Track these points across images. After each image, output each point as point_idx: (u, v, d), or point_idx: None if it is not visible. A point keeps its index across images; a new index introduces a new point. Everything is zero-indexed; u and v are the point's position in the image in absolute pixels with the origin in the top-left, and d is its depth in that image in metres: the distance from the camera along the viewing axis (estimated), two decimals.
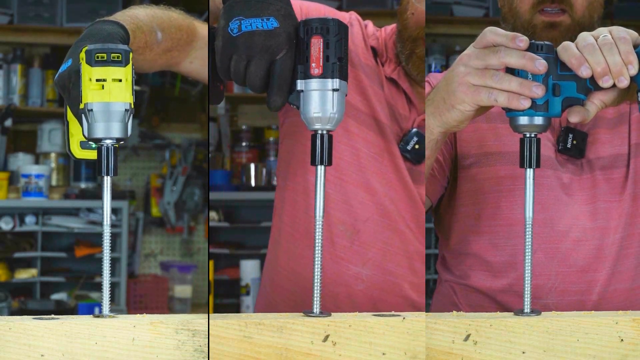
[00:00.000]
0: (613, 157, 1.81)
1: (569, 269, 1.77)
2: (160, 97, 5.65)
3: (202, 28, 1.74)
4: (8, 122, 5.34)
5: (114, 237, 4.85)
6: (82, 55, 1.33)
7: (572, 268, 1.76)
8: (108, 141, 1.35)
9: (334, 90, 1.36)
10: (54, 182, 5.42)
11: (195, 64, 1.74)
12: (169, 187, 5.57)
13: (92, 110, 1.33)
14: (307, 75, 1.37)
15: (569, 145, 1.81)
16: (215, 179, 5.41)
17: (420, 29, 1.79)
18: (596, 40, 1.42)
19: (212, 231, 5.41)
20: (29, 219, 5.27)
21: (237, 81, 1.39)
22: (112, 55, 1.32)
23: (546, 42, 1.41)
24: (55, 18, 5.36)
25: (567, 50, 1.41)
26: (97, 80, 1.32)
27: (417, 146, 1.82)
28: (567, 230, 1.77)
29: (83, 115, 1.34)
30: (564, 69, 1.42)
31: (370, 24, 1.92)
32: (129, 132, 1.36)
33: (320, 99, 1.36)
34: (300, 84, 1.37)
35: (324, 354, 1.33)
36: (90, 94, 1.33)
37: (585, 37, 1.43)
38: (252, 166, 5.36)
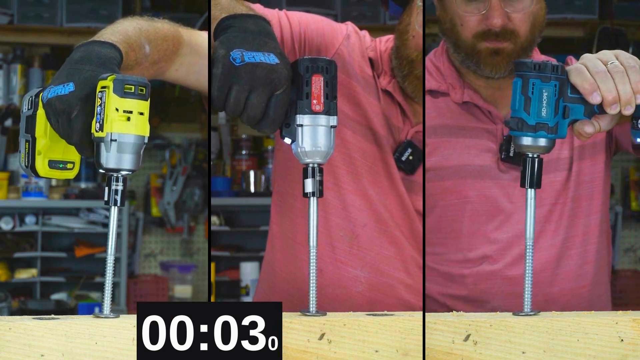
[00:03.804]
0: (554, 162, 1.83)
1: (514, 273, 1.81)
2: (160, 97, 5.65)
3: (186, 34, 1.74)
4: (8, 122, 5.34)
5: None
6: (108, 83, 1.33)
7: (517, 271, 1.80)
8: (123, 172, 1.35)
9: (332, 126, 1.41)
10: (53, 182, 5.42)
11: (181, 71, 1.74)
12: (169, 187, 5.56)
13: (115, 140, 1.33)
14: (309, 111, 1.40)
15: (511, 154, 1.83)
16: (216, 185, 5.48)
17: (419, 52, 1.81)
18: (606, 66, 1.43)
19: (213, 234, 5.43)
20: (29, 219, 5.27)
21: (234, 111, 1.39)
22: (139, 88, 1.33)
23: (560, 64, 1.42)
24: (55, 18, 5.36)
25: (581, 74, 1.42)
26: (125, 111, 1.33)
27: (411, 157, 1.85)
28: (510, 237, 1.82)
29: (102, 144, 1.34)
30: (574, 91, 1.42)
31: (367, 34, 1.93)
32: (140, 164, 1.37)
33: (321, 134, 1.41)
34: (300, 119, 1.40)
35: (319, 352, 1.36)
36: (116, 125, 1.33)
37: (595, 63, 1.44)
38: (252, 173, 5.45)
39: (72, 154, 1.48)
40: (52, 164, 1.47)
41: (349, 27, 1.90)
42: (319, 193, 1.43)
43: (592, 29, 5.12)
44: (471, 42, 1.81)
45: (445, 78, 1.89)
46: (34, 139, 1.46)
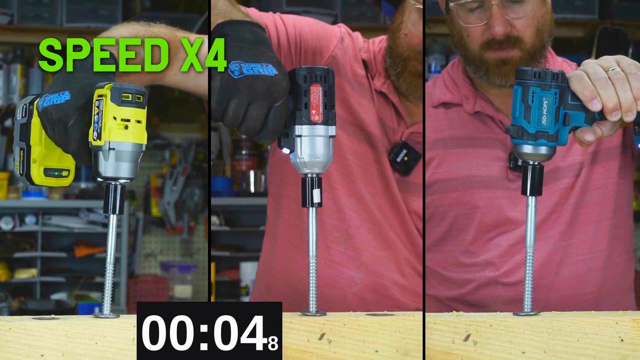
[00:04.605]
0: (562, 169, 1.83)
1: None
2: (160, 97, 5.66)
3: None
4: (8, 122, 5.34)
5: None
6: (105, 92, 1.33)
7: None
8: (122, 180, 1.35)
9: (330, 136, 1.40)
10: None
11: (179, 75, 1.72)
12: (169, 187, 5.57)
13: (113, 149, 1.33)
14: (308, 122, 1.39)
15: (520, 163, 1.82)
16: (217, 185, 5.49)
17: (412, 51, 1.80)
18: (606, 72, 1.43)
19: (213, 234, 5.43)
20: (29, 219, 5.27)
21: (232, 124, 1.38)
22: (137, 96, 1.33)
23: (561, 71, 1.42)
24: (55, 18, 5.36)
25: (581, 81, 1.42)
26: (122, 119, 1.33)
27: (406, 158, 1.84)
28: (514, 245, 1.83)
29: (100, 152, 1.33)
30: (574, 98, 1.42)
31: (359, 35, 1.92)
32: (137, 172, 1.37)
33: (320, 145, 1.40)
34: (299, 130, 1.39)
35: (319, 352, 1.36)
36: (114, 133, 1.33)
37: (595, 69, 1.43)
38: (252, 173, 5.45)
39: (68, 162, 1.48)
40: (48, 172, 1.46)
41: (342, 29, 1.89)
42: (318, 203, 1.42)
43: (592, 29, 5.11)
44: (478, 53, 1.81)
45: (460, 89, 1.89)
46: (28, 147, 1.45)
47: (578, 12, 5.12)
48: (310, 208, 1.42)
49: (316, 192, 1.42)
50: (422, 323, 1.38)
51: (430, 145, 1.87)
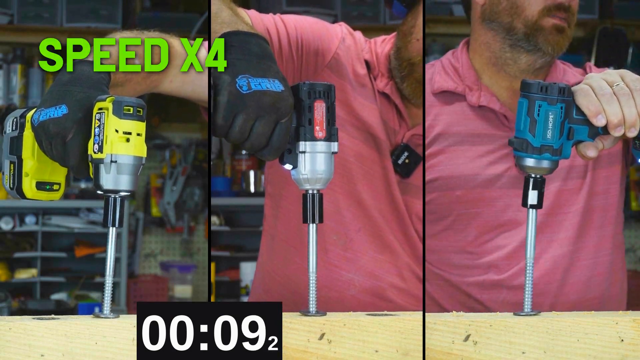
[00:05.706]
0: (567, 169, 1.82)
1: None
2: (160, 97, 5.64)
3: (178, 44, 1.71)
4: None
5: None
6: (107, 105, 1.33)
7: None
8: (122, 193, 1.35)
9: (333, 153, 1.40)
10: None
11: (175, 82, 1.70)
12: (169, 187, 5.57)
13: (115, 161, 1.33)
14: (312, 138, 1.38)
15: None
16: (217, 185, 5.49)
17: (421, 56, 1.77)
18: (611, 87, 1.43)
19: (213, 234, 5.44)
20: (29, 219, 5.27)
21: (238, 140, 1.36)
22: (137, 109, 1.33)
23: (567, 85, 1.41)
24: (55, 18, 5.36)
25: (587, 96, 1.42)
26: (124, 132, 1.33)
27: (407, 160, 1.83)
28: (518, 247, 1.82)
29: (102, 165, 1.33)
30: (579, 113, 1.42)
31: (361, 35, 1.89)
32: (137, 185, 1.37)
33: (323, 161, 1.40)
34: (303, 146, 1.39)
35: (319, 352, 1.36)
36: (116, 146, 1.33)
37: (600, 84, 1.43)
38: (252, 173, 5.45)
39: (59, 175, 1.47)
40: (40, 186, 1.45)
41: (343, 28, 1.87)
42: (319, 219, 1.42)
43: (592, 29, 5.11)
44: (536, 19, 1.79)
45: (463, 80, 1.86)
46: (20, 161, 1.43)
47: (578, 12, 5.12)
48: (311, 224, 1.41)
49: (308, 208, 1.42)
50: (422, 323, 1.38)
51: (431, 140, 1.85)
